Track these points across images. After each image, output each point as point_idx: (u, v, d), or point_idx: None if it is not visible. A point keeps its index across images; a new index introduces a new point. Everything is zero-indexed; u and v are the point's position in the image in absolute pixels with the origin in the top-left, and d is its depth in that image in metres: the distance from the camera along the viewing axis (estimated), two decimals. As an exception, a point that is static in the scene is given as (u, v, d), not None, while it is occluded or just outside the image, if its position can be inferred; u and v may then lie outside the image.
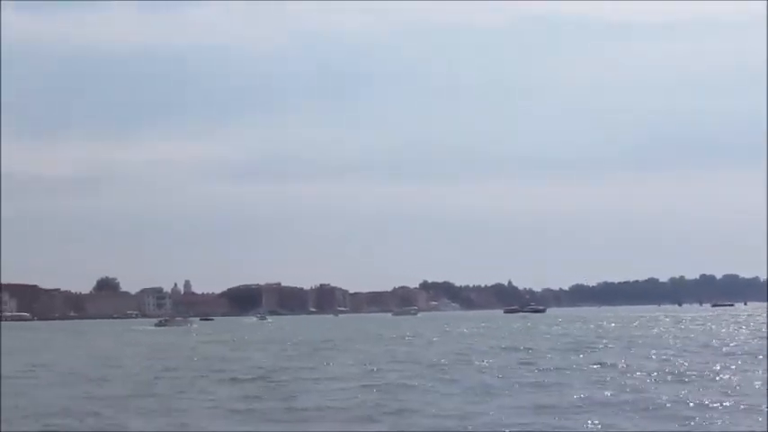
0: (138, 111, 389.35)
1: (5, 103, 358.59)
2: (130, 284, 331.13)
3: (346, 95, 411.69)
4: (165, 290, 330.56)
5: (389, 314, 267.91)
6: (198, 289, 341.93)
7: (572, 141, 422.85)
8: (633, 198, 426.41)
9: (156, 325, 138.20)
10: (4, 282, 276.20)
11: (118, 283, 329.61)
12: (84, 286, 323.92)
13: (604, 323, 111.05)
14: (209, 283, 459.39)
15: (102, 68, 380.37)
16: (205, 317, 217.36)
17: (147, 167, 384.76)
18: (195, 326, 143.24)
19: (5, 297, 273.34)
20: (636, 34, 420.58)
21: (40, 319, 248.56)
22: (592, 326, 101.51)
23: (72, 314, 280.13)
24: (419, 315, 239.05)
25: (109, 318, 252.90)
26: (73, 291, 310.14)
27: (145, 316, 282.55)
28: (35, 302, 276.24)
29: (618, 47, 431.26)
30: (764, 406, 21.39)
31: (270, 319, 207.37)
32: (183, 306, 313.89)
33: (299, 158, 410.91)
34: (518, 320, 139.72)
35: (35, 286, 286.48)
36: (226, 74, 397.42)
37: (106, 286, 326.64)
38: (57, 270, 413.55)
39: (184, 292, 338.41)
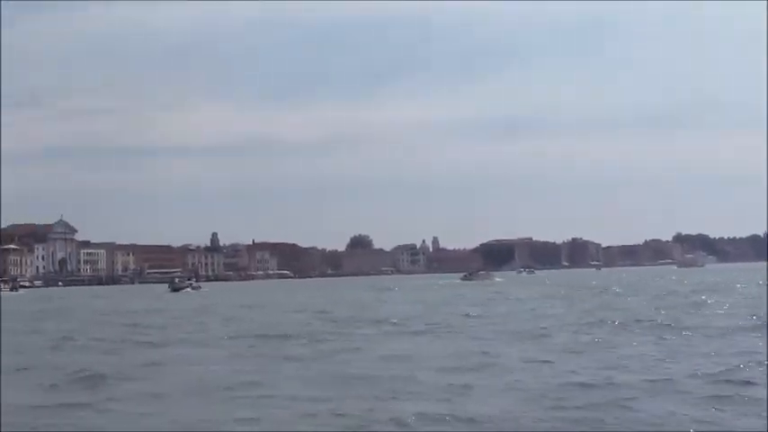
0: (385, 72, 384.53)
1: (252, 70, 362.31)
2: (382, 241, 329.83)
3: (590, 51, 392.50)
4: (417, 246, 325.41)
5: (644, 267, 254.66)
6: (448, 245, 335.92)
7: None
8: None
9: (463, 279, 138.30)
10: (266, 241, 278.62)
11: (371, 240, 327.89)
12: (338, 244, 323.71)
13: None
14: (460, 239, 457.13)
15: (349, 31, 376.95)
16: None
17: (395, 127, 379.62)
18: (498, 279, 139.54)
19: (266, 256, 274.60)
20: None
21: (300, 276, 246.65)
22: None
23: (329, 271, 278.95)
24: (706, 267, 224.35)
25: (365, 275, 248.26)
26: (328, 249, 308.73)
27: (399, 272, 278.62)
28: (294, 261, 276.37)
29: None
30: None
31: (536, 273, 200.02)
32: (435, 263, 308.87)
33: (544, 115, 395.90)
34: None
35: (294, 245, 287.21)
36: (470, 33, 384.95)
37: (359, 244, 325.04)
38: (313, 229, 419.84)
39: (434, 249, 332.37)
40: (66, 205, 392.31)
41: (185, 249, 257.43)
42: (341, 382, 19.52)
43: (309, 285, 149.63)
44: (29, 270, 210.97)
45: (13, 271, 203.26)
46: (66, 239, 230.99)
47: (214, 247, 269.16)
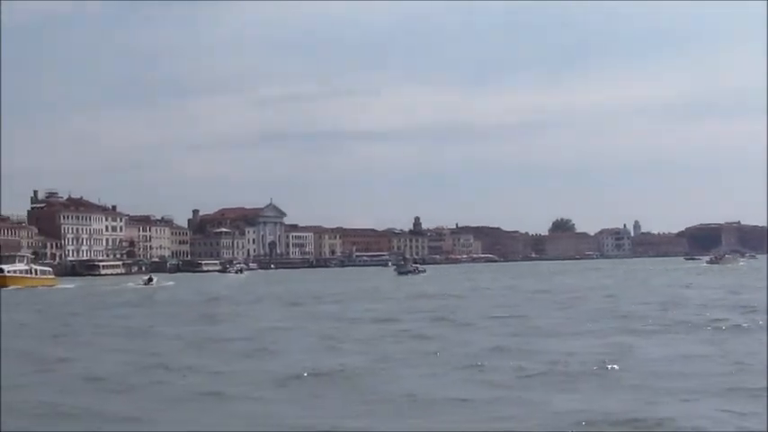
0: (581, 54, 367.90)
1: (452, 54, 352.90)
2: (582, 225, 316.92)
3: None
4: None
5: None
6: (652, 228, 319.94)
7: None
8: None
9: (708, 262, 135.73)
10: (469, 224, 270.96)
11: (573, 224, 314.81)
12: (541, 228, 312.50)
13: None
14: (662, 223, 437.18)
15: (538, 15, 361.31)
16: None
17: (591, 110, 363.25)
18: (742, 263, 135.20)
19: (471, 239, 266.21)
20: None
21: (504, 260, 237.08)
22: None
23: (532, 255, 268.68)
24: None
25: (569, 259, 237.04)
26: (531, 233, 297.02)
27: (604, 256, 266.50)
28: (497, 244, 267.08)
29: None
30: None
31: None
32: (640, 246, 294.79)
33: (749, 94, 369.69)
34: None
35: (498, 228, 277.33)
36: (657, 14, 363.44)
37: (561, 227, 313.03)
38: (514, 212, 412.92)
39: (635, 233, 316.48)
40: (274, 189, 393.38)
41: (391, 233, 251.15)
42: None
43: (549, 268, 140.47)
44: (240, 253, 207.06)
45: (225, 254, 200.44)
46: (275, 223, 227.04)
47: (418, 231, 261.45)
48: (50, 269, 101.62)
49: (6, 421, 14.61)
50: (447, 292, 61.18)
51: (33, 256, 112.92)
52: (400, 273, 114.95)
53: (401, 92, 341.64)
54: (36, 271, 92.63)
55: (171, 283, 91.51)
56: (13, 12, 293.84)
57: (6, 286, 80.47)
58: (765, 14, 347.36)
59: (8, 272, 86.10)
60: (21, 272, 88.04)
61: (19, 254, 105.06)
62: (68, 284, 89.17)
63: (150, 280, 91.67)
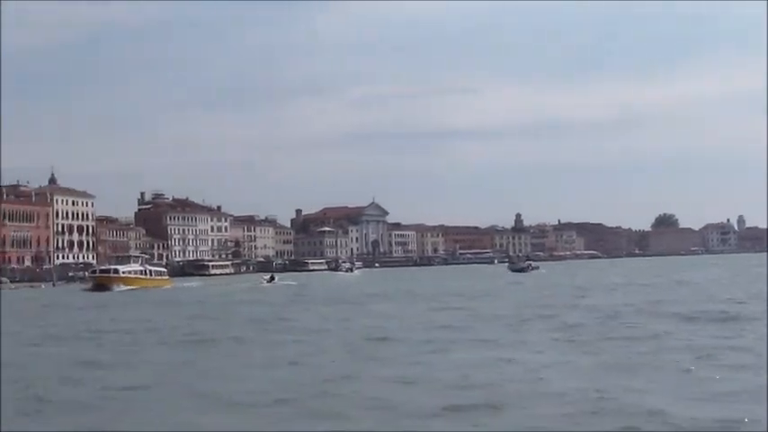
0: (672, 46, 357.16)
1: (541, 50, 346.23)
2: (687, 220, 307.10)
3: None
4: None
5: None
6: (758, 223, 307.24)
7: None
8: None
9: None
10: (571, 221, 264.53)
11: (676, 219, 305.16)
12: (643, 223, 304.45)
13: None
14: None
15: (636, 6, 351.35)
16: None
17: (692, 103, 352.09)
18: None
19: (573, 236, 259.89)
20: None
21: (608, 256, 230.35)
22: None
23: (636, 251, 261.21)
24: None
25: (674, 254, 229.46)
26: (633, 228, 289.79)
27: (708, 252, 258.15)
28: (600, 240, 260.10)
29: None
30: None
31: None
32: (747, 241, 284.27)
33: None
34: None
35: (600, 224, 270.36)
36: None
37: (664, 223, 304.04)
38: (616, 208, 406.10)
39: (739, 228, 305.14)
40: (376, 188, 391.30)
41: (493, 230, 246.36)
42: None
43: (663, 264, 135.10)
44: (343, 252, 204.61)
45: (329, 253, 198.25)
46: (378, 221, 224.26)
47: (520, 228, 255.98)
48: (165, 269, 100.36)
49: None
50: (581, 287, 58.31)
51: (148, 257, 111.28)
52: (514, 270, 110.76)
53: (501, 90, 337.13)
54: (150, 272, 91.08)
55: (292, 282, 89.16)
56: (120, 14, 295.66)
57: (120, 286, 79.31)
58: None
59: (123, 272, 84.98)
60: (135, 272, 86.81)
61: (134, 254, 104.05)
62: (188, 284, 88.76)
63: (272, 278, 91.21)
